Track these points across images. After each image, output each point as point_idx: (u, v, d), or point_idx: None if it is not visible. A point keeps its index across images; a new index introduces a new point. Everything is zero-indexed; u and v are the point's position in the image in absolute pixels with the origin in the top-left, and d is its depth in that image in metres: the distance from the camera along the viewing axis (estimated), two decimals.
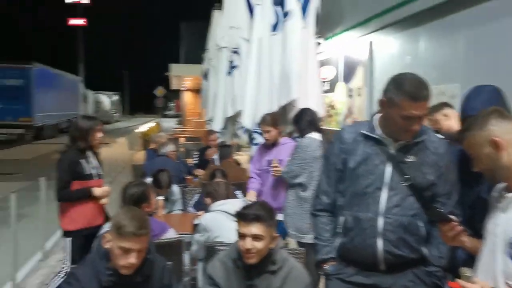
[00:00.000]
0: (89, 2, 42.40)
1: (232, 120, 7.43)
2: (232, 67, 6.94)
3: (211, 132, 7.51)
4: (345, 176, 2.35)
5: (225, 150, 6.22)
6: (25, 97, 22.00)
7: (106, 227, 3.30)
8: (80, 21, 42.60)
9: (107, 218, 4.15)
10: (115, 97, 52.37)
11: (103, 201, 4.01)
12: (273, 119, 4.32)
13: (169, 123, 32.81)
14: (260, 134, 4.73)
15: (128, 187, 3.32)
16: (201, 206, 4.62)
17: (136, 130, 21.24)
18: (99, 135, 4.01)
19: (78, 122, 4.01)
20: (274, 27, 4.64)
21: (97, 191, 3.93)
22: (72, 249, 3.89)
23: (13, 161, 15.71)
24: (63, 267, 3.95)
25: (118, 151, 13.48)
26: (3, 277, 4.76)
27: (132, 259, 2.19)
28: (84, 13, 42.88)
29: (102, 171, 4.15)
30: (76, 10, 42.32)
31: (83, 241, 3.92)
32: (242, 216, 2.42)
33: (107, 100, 47.95)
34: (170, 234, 3.41)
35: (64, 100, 28.15)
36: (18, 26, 65.86)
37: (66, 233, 3.93)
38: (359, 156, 2.28)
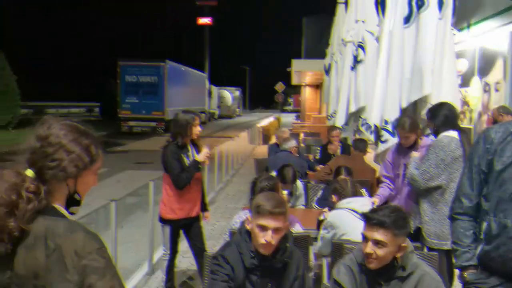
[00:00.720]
0: (215, 2, 44.63)
1: (354, 116, 7.28)
2: (357, 61, 6.78)
3: (333, 127, 7.42)
4: (490, 178, 2.18)
5: (361, 144, 6.07)
6: (158, 92, 23.95)
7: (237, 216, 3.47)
8: (206, 20, 45.07)
9: (204, 208, 4.39)
10: (237, 92, 54.45)
11: (206, 162, 4.16)
12: (413, 124, 3.94)
13: (288, 118, 33.26)
14: (390, 133, 4.54)
15: (259, 181, 3.44)
16: (325, 202, 4.61)
17: (258, 125, 21.87)
18: (197, 129, 4.13)
19: (177, 117, 4.15)
20: (407, 20, 4.42)
21: (200, 156, 4.06)
22: (170, 235, 4.16)
23: (148, 151, 17.20)
24: (164, 253, 4.27)
25: (240, 145, 14.01)
26: (143, 255, 5.26)
27: (269, 237, 2.27)
28: (210, 13, 45.29)
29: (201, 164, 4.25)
30: (204, 10, 44.83)
31: (179, 229, 4.21)
32: (367, 219, 2.36)
33: (229, 95, 50.09)
34: (298, 228, 3.46)
35: (191, 95, 30.04)
36: (150, 25, 71.62)
37: (165, 221, 4.17)
38: (507, 157, 2.11)
